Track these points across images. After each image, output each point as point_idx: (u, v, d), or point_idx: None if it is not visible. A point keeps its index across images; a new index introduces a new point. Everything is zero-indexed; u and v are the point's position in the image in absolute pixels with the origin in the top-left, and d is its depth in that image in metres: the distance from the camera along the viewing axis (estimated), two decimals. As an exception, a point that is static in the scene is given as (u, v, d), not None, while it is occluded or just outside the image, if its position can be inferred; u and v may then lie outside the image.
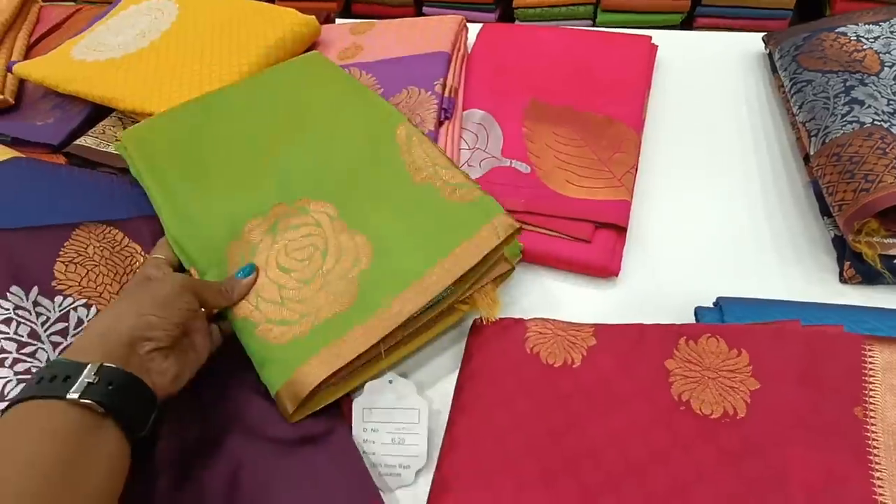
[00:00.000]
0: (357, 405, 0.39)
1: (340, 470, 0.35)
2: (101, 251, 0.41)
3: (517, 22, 1.47)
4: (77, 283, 0.39)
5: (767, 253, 0.47)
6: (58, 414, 0.27)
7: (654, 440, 0.34)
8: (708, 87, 0.61)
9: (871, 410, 0.32)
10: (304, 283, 0.39)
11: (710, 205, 0.51)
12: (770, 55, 0.59)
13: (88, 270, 0.39)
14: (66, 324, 0.37)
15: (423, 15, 1.52)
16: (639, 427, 0.35)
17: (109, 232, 0.42)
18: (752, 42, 0.65)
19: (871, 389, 0.33)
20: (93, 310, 0.38)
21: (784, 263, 0.46)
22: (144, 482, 0.33)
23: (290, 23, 0.62)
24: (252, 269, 0.40)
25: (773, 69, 0.58)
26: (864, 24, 0.54)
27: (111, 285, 0.40)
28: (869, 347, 0.34)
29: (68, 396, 0.27)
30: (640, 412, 0.35)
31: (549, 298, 0.45)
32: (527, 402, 0.37)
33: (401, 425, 0.38)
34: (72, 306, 0.38)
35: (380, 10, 1.57)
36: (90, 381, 0.28)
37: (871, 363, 0.34)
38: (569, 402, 0.37)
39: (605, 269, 0.45)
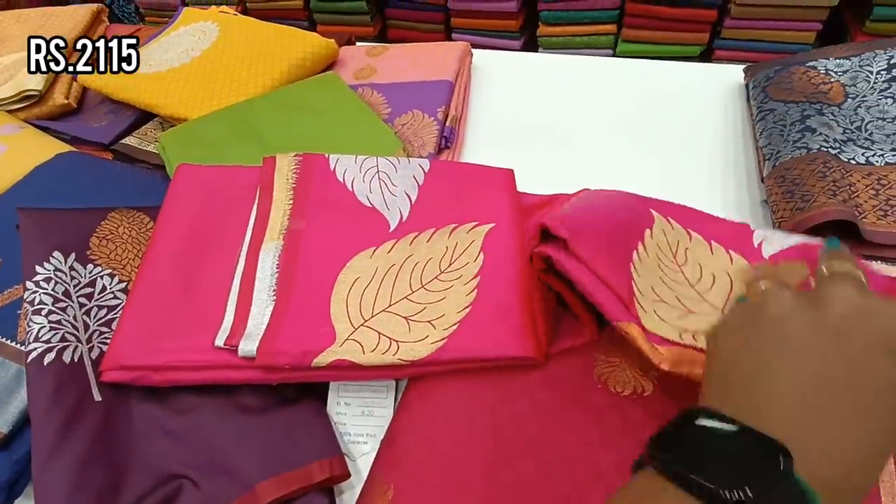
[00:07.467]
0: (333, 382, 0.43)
1: (308, 427, 0.40)
2: (130, 231, 0.49)
3: (541, 50, 1.53)
4: (106, 256, 0.46)
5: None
6: None
7: (583, 417, 0.38)
8: (692, 116, 0.65)
9: None
10: None
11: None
12: (747, 86, 0.63)
13: (117, 246, 0.47)
14: (93, 289, 0.44)
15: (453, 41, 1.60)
16: (564, 402, 0.39)
17: (138, 216, 0.50)
18: (737, 74, 0.69)
19: None
20: (115, 279, 0.45)
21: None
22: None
23: (310, 45, 0.70)
24: None
25: (748, 99, 0.62)
26: (836, 59, 0.58)
27: (133, 260, 0.47)
28: None
29: None
30: (564, 392, 0.39)
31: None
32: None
33: (370, 399, 0.43)
34: (99, 274, 0.45)
35: (413, 36, 1.67)
36: None
37: None
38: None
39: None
